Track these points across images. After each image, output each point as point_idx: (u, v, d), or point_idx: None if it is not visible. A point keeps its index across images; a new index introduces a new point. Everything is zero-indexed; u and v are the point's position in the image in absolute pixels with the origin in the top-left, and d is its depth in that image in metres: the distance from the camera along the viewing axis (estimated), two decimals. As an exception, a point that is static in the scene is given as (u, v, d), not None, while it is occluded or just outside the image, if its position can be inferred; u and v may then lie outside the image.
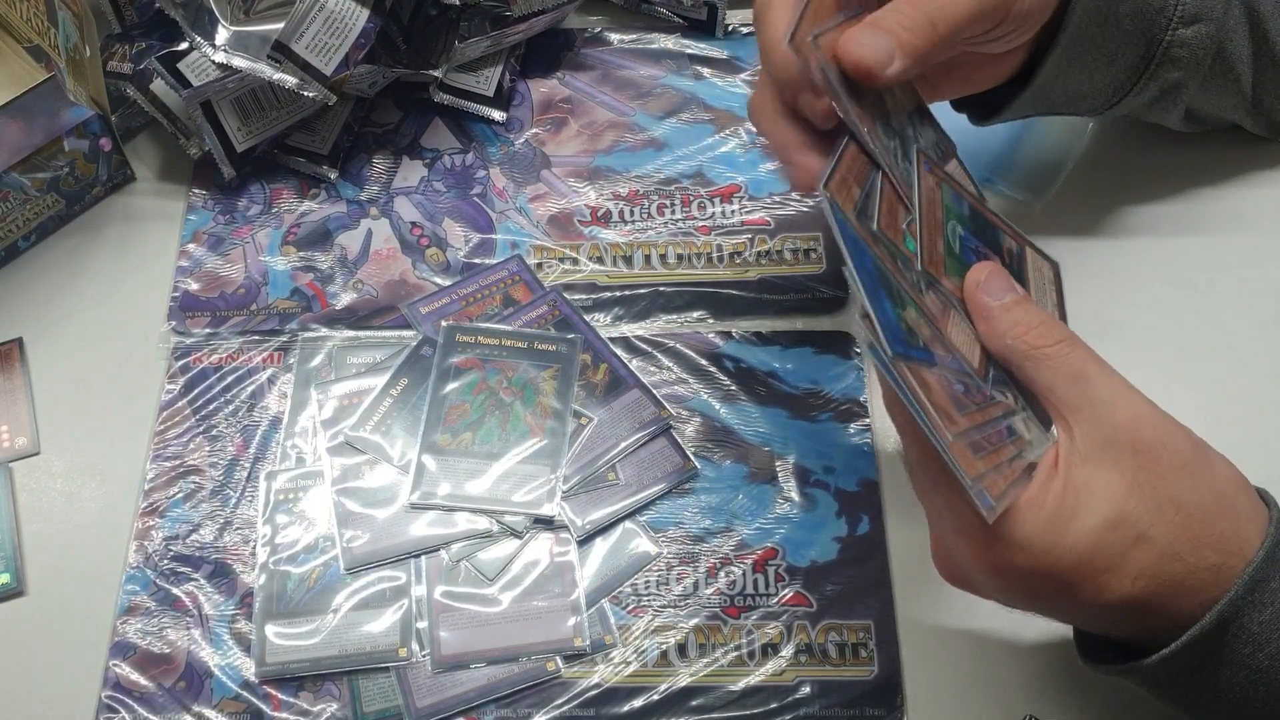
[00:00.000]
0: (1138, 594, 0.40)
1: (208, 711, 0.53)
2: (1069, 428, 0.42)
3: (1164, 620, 0.41)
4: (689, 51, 0.73)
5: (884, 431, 0.60)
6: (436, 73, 0.68)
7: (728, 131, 0.70)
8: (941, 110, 0.58)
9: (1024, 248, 0.49)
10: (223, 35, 0.64)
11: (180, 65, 0.64)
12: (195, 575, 0.56)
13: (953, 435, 0.39)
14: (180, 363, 0.62)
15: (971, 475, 0.39)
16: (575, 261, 0.65)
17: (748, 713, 0.53)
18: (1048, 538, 0.40)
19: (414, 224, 0.67)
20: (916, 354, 0.40)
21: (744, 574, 0.56)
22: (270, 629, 0.54)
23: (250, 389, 0.61)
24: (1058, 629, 0.52)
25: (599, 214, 0.67)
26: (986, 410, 0.42)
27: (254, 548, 0.57)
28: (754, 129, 0.58)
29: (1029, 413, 0.44)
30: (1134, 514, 0.40)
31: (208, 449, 0.60)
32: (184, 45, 0.65)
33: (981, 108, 0.58)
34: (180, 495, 0.58)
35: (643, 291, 0.64)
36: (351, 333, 0.63)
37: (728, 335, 0.63)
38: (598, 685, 0.53)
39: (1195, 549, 0.40)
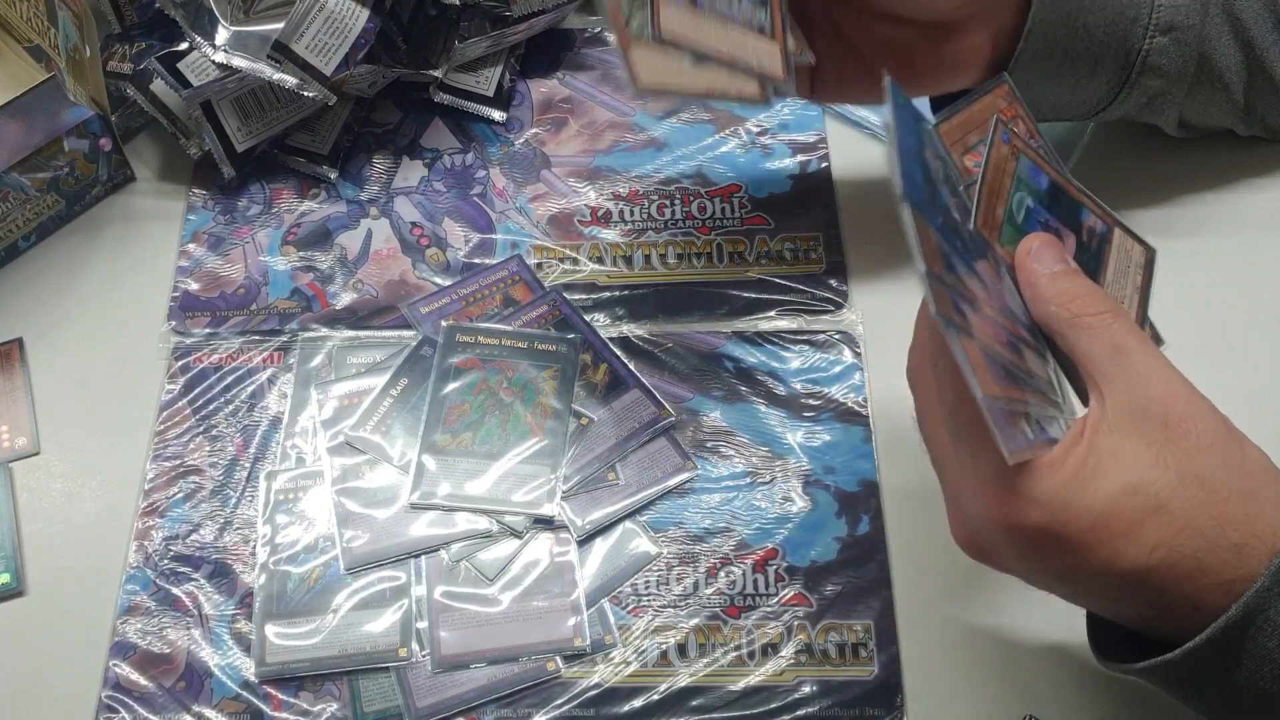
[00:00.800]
0: (1154, 565, 0.39)
1: (208, 711, 0.53)
2: (1102, 397, 0.41)
3: (1181, 601, 0.40)
4: (689, 51, 0.73)
5: (884, 431, 0.60)
6: (436, 73, 0.68)
7: (728, 131, 0.70)
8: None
9: (1112, 228, 0.49)
10: (223, 35, 0.64)
11: (180, 65, 0.64)
12: (195, 575, 0.56)
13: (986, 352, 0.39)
14: (180, 363, 0.62)
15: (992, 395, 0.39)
16: (575, 261, 0.65)
17: (748, 713, 0.53)
18: (1064, 496, 0.40)
19: (414, 224, 0.67)
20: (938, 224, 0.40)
21: (744, 574, 0.56)
22: (270, 629, 0.54)
23: (250, 389, 0.61)
24: (1058, 629, 0.52)
25: (599, 214, 0.67)
26: (1023, 358, 0.42)
27: (254, 548, 0.57)
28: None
29: (1063, 387, 0.44)
30: (1156, 484, 0.39)
31: (208, 449, 0.60)
32: (184, 45, 0.65)
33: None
34: (180, 495, 0.58)
35: (643, 291, 0.64)
36: (351, 333, 0.63)
37: (728, 335, 0.63)
38: (598, 685, 0.53)
39: (1218, 526, 0.39)
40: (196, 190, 0.69)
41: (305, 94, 0.64)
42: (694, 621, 0.55)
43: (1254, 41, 0.58)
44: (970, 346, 0.39)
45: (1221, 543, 0.39)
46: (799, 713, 0.52)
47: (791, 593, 0.55)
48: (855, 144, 0.69)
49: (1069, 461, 0.40)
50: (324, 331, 0.63)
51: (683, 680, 0.53)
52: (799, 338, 0.62)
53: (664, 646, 0.54)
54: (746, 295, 0.64)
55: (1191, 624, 0.40)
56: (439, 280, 0.65)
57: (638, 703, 0.53)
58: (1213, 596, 0.40)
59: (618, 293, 0.64)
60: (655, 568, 0.56)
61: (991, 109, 0.47)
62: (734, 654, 0.54)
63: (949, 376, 0.42)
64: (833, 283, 0.64)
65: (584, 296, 0.64)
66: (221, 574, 0.56)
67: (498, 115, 0.71)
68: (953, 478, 0.44)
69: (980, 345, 0.40)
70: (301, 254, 0.66)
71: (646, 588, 0.56)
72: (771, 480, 0.58)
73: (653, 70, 0.48)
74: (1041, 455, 0.40)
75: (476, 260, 0.65)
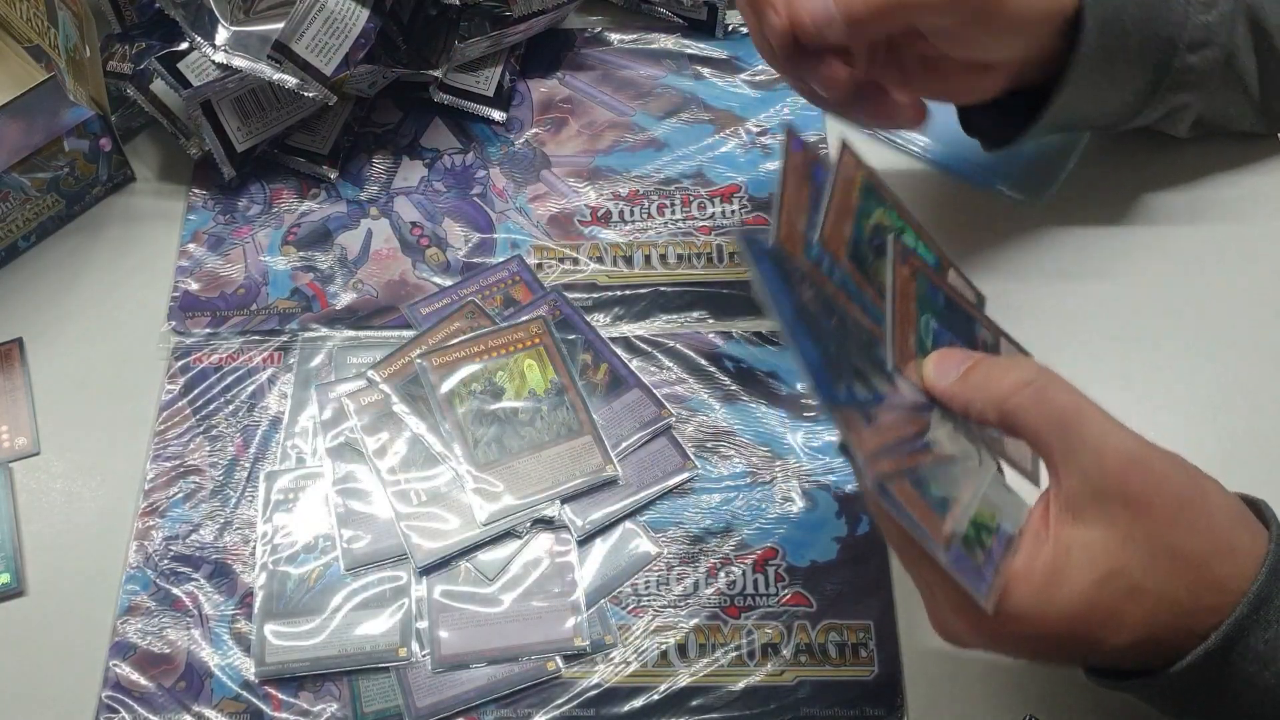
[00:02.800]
0: (1137, 641, 0.40)
1: (208, 711, 0.53)
2: (1058, 478, 0.41)
3: (1165, 653, 0.41)
4: (689, 51, 0.73)
5: (884, 431, 0.60)
6: (436, 73, 0.68)
7: (728, 131, 0.70)
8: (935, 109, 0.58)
9: (999, 338, 0.49)
10: (223, 35, 0.64)
11: (180, 65, 0.64)
12: (195, 575, 0.56)
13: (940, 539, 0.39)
14: (180, 363, 0.62)
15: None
16: (575, 261, 0.65)
17: (748, 713, 0.53)
18: (1040, 606, 0.40)
19: (414, 224, 0.67)
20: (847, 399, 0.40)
21: (744, 574, 0.56)
22: (270, 629, 0.54)
23: (250, 389, 0.61)
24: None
25: (599, 214, 0.67)
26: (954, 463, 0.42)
27: (254, 548, 0.57)
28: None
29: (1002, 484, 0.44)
30: (1127, 567, 0.39)
31: (208, 449, 0.60)
32: (184, 45, 0.65)
33: (991, 137, 0.59)
34: (180, 495, 0.58)
35: (643, 291, 0.64)
36: (351, 333, 0.63)
37: (728, 335, 0.63)
38: (598, 685, 0.53)
39: (1193, 593, 0.40)
40: (196, 190, 0.69)
41: (305, 94, 0.64)
42: (694, 621, 0.55)
43: (1272, 36, 0.58)
44: (913, 502, 0.39)
45: (1199, 607, 0.40)
46: (799, 713, 0.52)
47: (791, 593, 0.55)
48: (855, 144, 0.69)
49: (1038, 567, 0.40)
50: (324, 331, 0.63)
51: (683, 680, 0.53)
52: (799, 338, 0.62)
53: (664, 646, 0.54)
54: (746, 295, 0.64)
55: (1174, 657, 0.41)
56: (439, 280, 0.65)
57: (638, 703, 0.53)
58: (1193, 645, 0.40)
59: (618, 293, 0.64)
60: (655, 568, 0.56)
61: (849, 180, 0.46)
62: (734, 654, 0.54)
63: (889, 522, 0.42)
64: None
65: (584, 296, 0.64)
66: (221, 574, 0.56)
67: (498, 115, 0.71)
68: (924, 591, 0.44)
69: (911, 485, 0.39)
70: (301, 254, 0.66)
71: (646, 588, 0.56)
72: (771, 480, 0.58)
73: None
74: (1009, 565, 0.40)
75: (476, 260, 0.65)
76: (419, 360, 0.60)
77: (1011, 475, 0.46)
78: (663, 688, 0.53)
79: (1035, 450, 0.42)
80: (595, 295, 0.64)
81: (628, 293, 0.64)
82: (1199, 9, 0.55)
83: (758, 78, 0.72)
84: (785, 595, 0.55)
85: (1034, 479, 0.45)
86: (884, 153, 0.68)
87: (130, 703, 0.53)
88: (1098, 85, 0.55)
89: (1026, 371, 0.42)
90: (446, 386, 0.60)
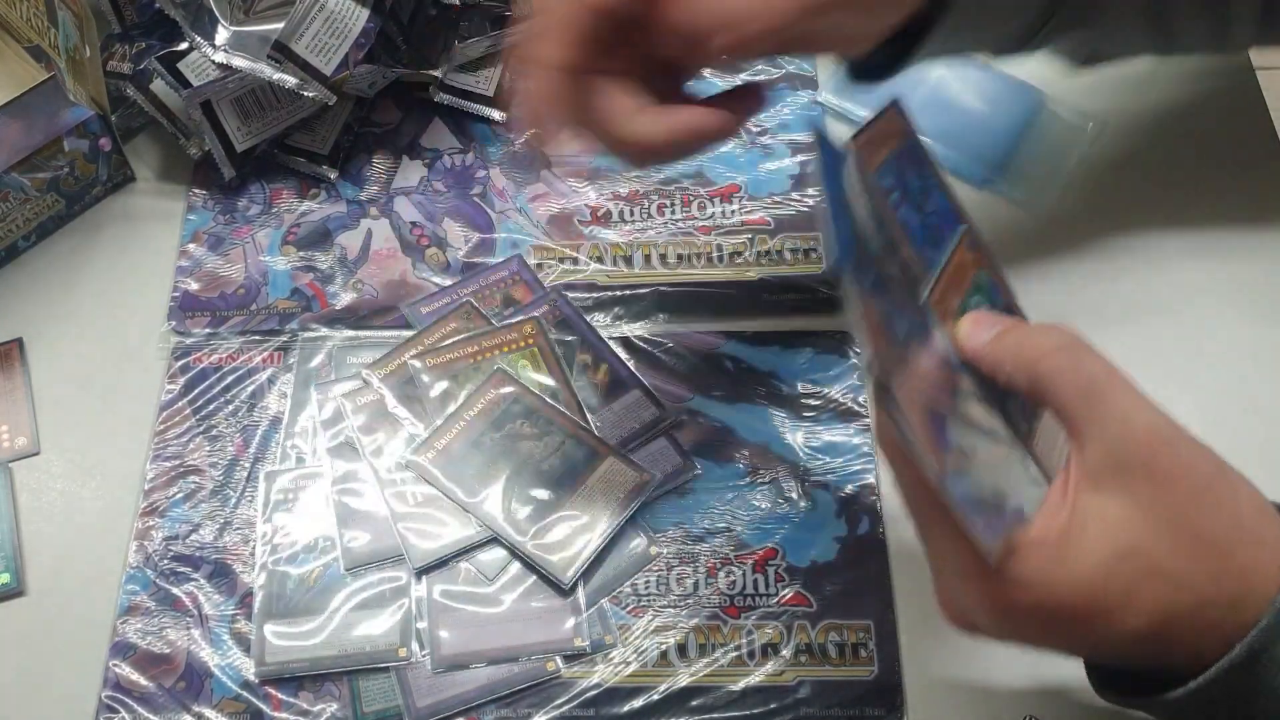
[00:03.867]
0: (1153, 627, 0.38)
1: (208, 711, 0.53)
2: (1081, 447, 0.39)
3: (1181, 650, 0.39)
4: (689, 51, 0.73)
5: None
6: (436, 73, 0.68)
7: (728, 131, 0.70)
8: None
9: None
10: (223, 35, 0.64)
11: (180, 65, 0.64)
12: (195, 575, 0.56)
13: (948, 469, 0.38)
14: (180, 363, 0.62)
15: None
16: (575, 261, 0.65)
17: (748, 713, 0.53)
18: (1053, 574, 0.38)
19: (414, 224, 0.67)
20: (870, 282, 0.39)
21: (744, 574, 0.56)
22: (270, 629, 0.54)
23: (250, 389, 0.61)
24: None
25: (599, 214, 0.67)
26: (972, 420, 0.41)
27: (254, 548, 0.57)
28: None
29: (1029, 456, 0.42)
30: (1147, 545, 0.37)
31: (208, 449, 0.60)
32: (184, 45, 0.65)
33: (868, 71, 0.53)
34: (180, 495, 0.58)
35: (643, 291, 0.64)
36: (351, 333, 0.63)
37: (728, 335, 0.63)
38: (598, 685, 0.53)
39: (1214, 580, 0.37)
40: (196, 190, 0.69)
41: (305, 94, 0.64)
42: (694, 621, 0.55)
43: None
44: (922, 428, 0.38)
45: (1219, 597, 0.38)
46: (799, 713, 0.52)
47: (791, 593, 0.55)
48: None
49: (1053, 534, 0.38)
50: (324, 331, 0.63)
51: (683, 680, 0.53)
52: (799, 338, 0.62)
53: (664, 646, 0.54)
54: (746, 295, 0.64)
55: (1195, 666, 0.38)
56: (439, 280, 0.65)
57: (638, 703, 0.53)
58: (1212, 645, 0.38)
59: (618, 293, 0.64)
60: (655, 568, 0.56)
61: (889, 131, 0.45)
62: (734, 654, 0.54)
63: (907, 471, 0.41)
64: (833, 282, 0.64)
65: (584, 296, 0.64)
66: (221, 574, 0.56)
67: (498, 115, 0.71)
68: (935, 560, 0.42)
69: (924, 416, 0.38)
70: (301, 254, 0.66)
71: (646, 588, 0.56)
72: (771, 480, 0.58)
73: None
74: (1024, 531, 0.38)
75: (476, 260, 0.65)
76: (413, 361, 0.60)
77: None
78: (663, 688, 0.53)
79: (1060, 419, 0.40)
80: (595, 295, 0.64)
81: (628, 293, 0.64)
82: None
83: (757, 77, 0.72)
84: (785, 595, 0.55)
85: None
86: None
87: (130, 703, 0.53)
88: (975, 23, 0.51)
89: (1061, 337, 0.40)
90: (439, 388, 0.60)
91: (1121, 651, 0.40)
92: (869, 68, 0.52)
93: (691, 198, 0.67)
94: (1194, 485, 0.38)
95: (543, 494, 0.56)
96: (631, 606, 0.55)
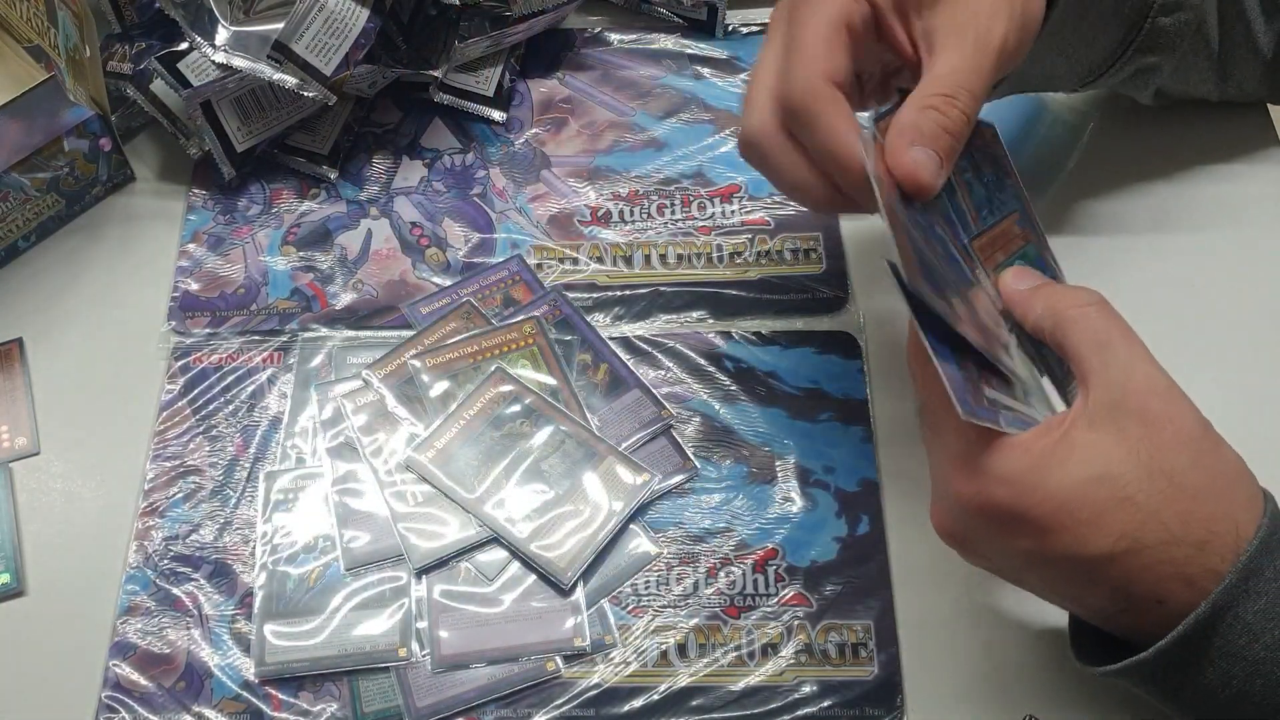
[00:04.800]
0: (1117, 554, 0.40)
1: (208, 711, 0.53)
2: (1086, 391, 0.43)
3: (1144, 593, 0.41)
4: (689, 51, 0.73)
5: (884, 431, 0.60)
6: (436, 73, 0.68)
7: (728, 131, 0.70)
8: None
9: None
10: (223, 35, 0.64)
11: (180, 65, 0.64)
12: (195, 575, 0.56)
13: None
14: (180, 363, 0.62)
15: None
16: (575, 261, 0.65)
17: (748, 713, 0.53)
18: (1031, 478, 0.41)
19: (414, 224, 0.67)
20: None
21: (744, 574, 0.56)
22: (270, 629, 0.54)
23: (250, 389, 0.61)
24: (1058, 629, 0.52)
25: (599, 214, 0.67)
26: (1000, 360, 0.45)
27: (254, 548, 0.57)
28: (749, 157, 0.52)
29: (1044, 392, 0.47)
30: (1123, 475, 0.40)
31: (208, 449, 0.60)
32: (184, 45, 0.65)
33: None
34: (180, 495, 0.58)
35: (643, 291, 0.64)
36: (351, 333, 0.63)
37: (728, 335, 0.63)
38: (598, 685, 0.53)
39: (1183, 522, 0.40)
40: (196, 190, 0.69)
41: (305, 94, 0.64)
42: (694, 621, 0.55)
43: (1245, 9, 0.58)
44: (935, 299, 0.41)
45: (1186, 538, 0.40)
46: (799, 713, 0.52)
47: (791, 593, 0.55)
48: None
49: (1039, 446, 0.41)
50: (324, 331, 0.63)
51: (683, 680, 0.53)
52: (799, 338, 0.62)
53: (664, 646, 0.54)
54: (746, 295, 0.64)
55: (1157, 620, 0.41)
56: (439, 280, 0.65)
57: (638, 703, 0.53)
58: (1174, 590, 0.41)
59: (618, 293, 0.64)
60: (655, 568, 0.56)
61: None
62: (734, 654, 0.54)
63: (920, 357, 0.43)
64: (833, 282, 0.64)
65: (584, 296, 0.64)
66: (221, 574, 0.56)
67: (498, 115, 0.71)
68: (932, 463, 0.46)
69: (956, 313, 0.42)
70: (301, 254, 0.66)
71: (646, 588, 0.56)
72: (771, 480, 0.58)
73: None
74: (1011, 436, 0.42)
75: (476, 260, 0.65)
76: (413, 361, 0.60)
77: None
78: (663, 688, 0.53)
79: (1073, 365, 0.44)
80: (595, 295, 0.64)
81: (628, 293, 0.64)
82: None
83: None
84: (785, 595, 0.55)
85: None
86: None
87: (130, 703, 0.53)
88: (1067, 42, 0.55)
89: (1089, 295, 0.45)
90: (439, 388, 0.60)
91: (1084, 580, 0.42)
92: None
93: (691, 198, 0.67)
94: (1179, 434, 0.41)
95: (543, 494, 0.56)
96: (631, 606, 0.55)
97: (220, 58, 0.63)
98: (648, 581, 0.56)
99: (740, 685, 0.53)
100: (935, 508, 0.46)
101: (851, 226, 0.66)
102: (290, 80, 0.63)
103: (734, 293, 0.64)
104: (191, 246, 0.66)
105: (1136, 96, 0.62)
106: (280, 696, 0.53)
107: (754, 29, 0.74)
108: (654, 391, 0.61)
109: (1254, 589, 0.40)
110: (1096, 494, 0.40)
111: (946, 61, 0.47)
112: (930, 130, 0.45)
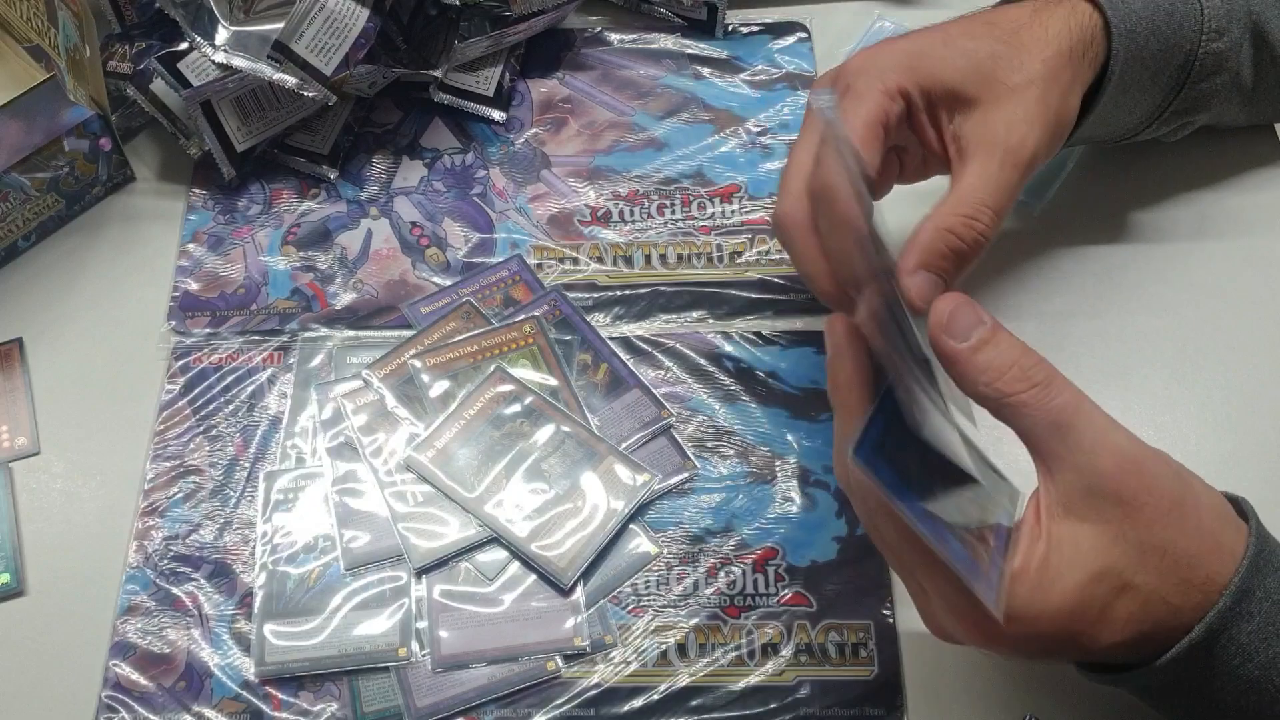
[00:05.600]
0: (1128, 637, 0.41)
1: (208, 711, 0.53)
2: (1050, 474, 0.41)
3: (1156, 646, 0.42)
4: (689, 51, 0.73)
5: (884, 431, 0.60)
6: (436, 73, 0.68)
7: (728, 131, 0.70)
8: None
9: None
10: (223, 35, 0.64)
11: (180, 65, 0.64)
12: (195, 575, 0.56)
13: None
14: (180, 363, 0.62)
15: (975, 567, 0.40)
16: (575, 261, 0.65)
17: (748, 713, 0.53)
18: (1036, 605, 0.40)
19: (414, 224, 0.67)
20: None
21: (744, 574, 0.56)
22: (270, 629, 0.54)
23: (250, 389, 0.61)
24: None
25: (599, 214, 0.67)
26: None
27: (254, 548, 0.57)
28: (779, 237, 0.53)
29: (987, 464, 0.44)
30: (1117, 564, 0.40)
31: (208, 449, 0.60)
32: (184, 45, 0.65)
33: None
34: (180, 495, 0.58)
35: (643, 291, 0.64)
36: (351, 333, 0.63)
37: (728, 335, 0.63)
38: (598, 685, 0.53)
39: (1182, 591, 0.40)
40: (196, 190, 0.69)
41: (305, 94, 0.64)
42: (694, 621, 0.55)
43: (1274, 48, 0.58)
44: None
45: (1187, 604, 0.41)
46: (799, 713, 0.52)
47: (791, 593, 0.55)
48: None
49: (1033, 567, 0.41)
50: (324, 331, 0.63)
51: (683, 680, 0.53)
52: (799, 338, 0.62)
53: (664, 646, 0.54)
54: (746, 295, 0.64)
55: (1158, 645, 0.42)
56: (439, 280, 0.65)
57: (638, 703, 0.53)
58: (1178, 635, 0.41)
59: (618, 293, 0.64)
60: (655, 568, 0.56)
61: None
62: (734, 654, 0.54)
63: (886, 517, 0.43)
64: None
65: (584, 296, 0.64)
66: (221, 574, 0.56)
67: (498, 115, 0.71)
68: (917, 595, 0.45)
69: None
70: (301, 254, 0.66)
71: (646, 588, 0.56)
72: (771, 480, 0.58)
73: None
74: (1009, 566, 0.41)
75: (476, 260, 0.65)
76: (413, 361, 0.60)
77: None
78: (663, 688, 0.53)
79: (1026, 445, 0.42)
80: (595, 295, 0.64)
81: (628, 293, 0.64)
82: (1211, 37, 0.55)
83: (757, 77, 0.72)
84: (785, 595, 0.55)
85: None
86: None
87: (130, 703, 0.53)
88: (1107, 115, 0.56)
89: (1036, 371, 0.41)
90: (439, 388, 0.60)
91: (1099, 657, 0.43)
92: None
93: (691, 198, 0.67)
94: (1159, 506, 0.40)
95: (543, 493, 0.56)
96: (631, 606, 0.55)
97: (220, 58, 0.63)
98: (647, 581, 0.56)
99: (740, 685, 0.53)
100: (932, 626, 0.45)
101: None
102: (290, 80, 0.63)
103: (734, 293, 0.64)
104: (191, 246, 0.66)
105: (1169, 141, 0.63)
106: (280, 696, 0.53)
107: (754, 29, 0.74)
108: (654, 391, 0.61)
109: (1246, 610, 0.41)
110: (1097, 592, 0.40)
111: (974, 173, 0.47)
112: (941, 252, 0.46)
